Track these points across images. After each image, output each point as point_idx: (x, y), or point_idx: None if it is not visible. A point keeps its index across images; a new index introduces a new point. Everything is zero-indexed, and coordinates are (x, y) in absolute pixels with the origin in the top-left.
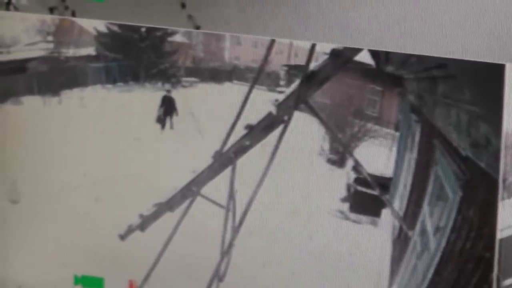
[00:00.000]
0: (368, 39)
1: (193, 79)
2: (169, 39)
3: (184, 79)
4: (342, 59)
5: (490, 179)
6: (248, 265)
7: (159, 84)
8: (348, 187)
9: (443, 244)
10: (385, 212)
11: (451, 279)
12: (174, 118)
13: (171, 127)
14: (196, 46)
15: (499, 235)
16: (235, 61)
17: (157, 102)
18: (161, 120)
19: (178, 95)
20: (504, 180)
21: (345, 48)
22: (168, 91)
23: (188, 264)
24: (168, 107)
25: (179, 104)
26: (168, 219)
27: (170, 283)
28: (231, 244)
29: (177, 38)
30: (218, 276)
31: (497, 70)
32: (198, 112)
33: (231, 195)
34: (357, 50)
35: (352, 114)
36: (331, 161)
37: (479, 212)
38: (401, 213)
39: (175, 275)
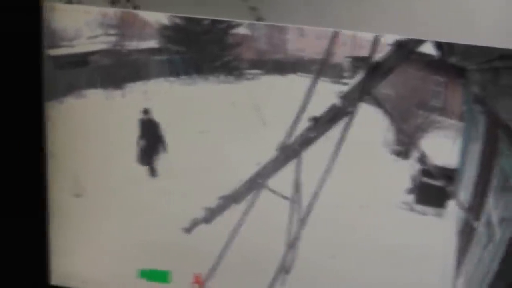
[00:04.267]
0: (431, 30)
1: (256, 71)
2: (232, 31)
3: (247, 71)
4: (406, 50)
5: None
6: (314, 257)
7: (223, 76)
8: (413, 179)
9: (508, 234)
10: (451, 204)
11: None
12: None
13: (152, 175)
14: (260, 39)
15: None
16: (299, 53)
17: (221, 95)
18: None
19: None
20: None
21: (409, 40)
22: (146, 111)
23: (253, 257)
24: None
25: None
26: (234, 211)
27: (236, 276)
28: (297, 237)
29: (240, 30)
30: (284, 268)
31: None
32: (262, 105)
33: (297, 187)
34: (421, 42)
35: (416, 105)
36: (396, 153)
37: None
38: (466, 204)
39: (241, 267)
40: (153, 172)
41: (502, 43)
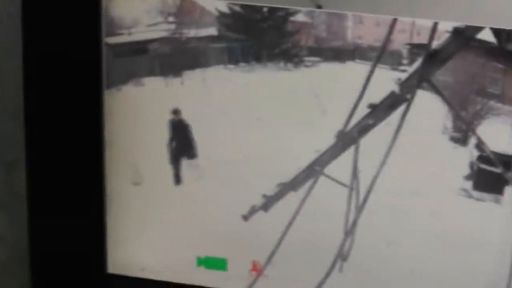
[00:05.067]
0: (490, 17)
1: (315, 58)
2: (291, 18)
3: (306, 58)
4: (464, 37)
5: None
6: (372, 244)
7: (282, 64)
8: (471, 165)
9: None
10: (509, 190)
11: None
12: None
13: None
14: (318, 26)
15: None
16: (358, 40)
17: (280, 82)
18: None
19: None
20: None
21: (467, 26)
22: (176, 112)
23: (311, 244)
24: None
25: (197, 135)
26: (292, 199)
27: (294, 263)
28: (354, 223)
29: (299, 17)
30: (342, 255)
31: None
32: (321, 92)
33: (355, 174)
34: (480, 28)
35: (474, 92)
36: (454, 139)
37: None
38: None
39: (299, 255)
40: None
41: None
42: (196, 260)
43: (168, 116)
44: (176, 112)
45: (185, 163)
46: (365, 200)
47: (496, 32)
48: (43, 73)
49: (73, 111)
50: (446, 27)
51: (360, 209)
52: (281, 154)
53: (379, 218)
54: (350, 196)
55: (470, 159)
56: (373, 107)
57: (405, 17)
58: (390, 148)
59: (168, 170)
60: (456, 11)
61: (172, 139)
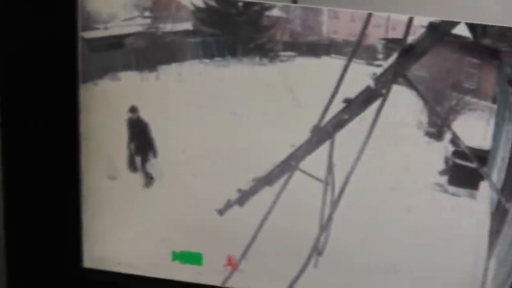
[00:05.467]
0: (465, 12)
1: (290, 53)
2: (267, 13)
3: (281, 53)
4: (439, 32)
5: None
6: (347, 239)
7: (257, 58)
8: (447, 160)
9: None
10: (483, 185)
11: None
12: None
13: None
14: (294, 21)
15: None
16: (333, 35)
17: (255, 77)
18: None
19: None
20: None
21: (443, 21)
22: (133, 109)
23: (286, 239)
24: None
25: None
26: (267, 193)
27: (269, 258)
28: (330, 218)
29: (275, 12)
30: (317, 250)
31: None
32: (296, 86)
33: (330, 169)
34: (455, 23)
35: (450, 87)
36: (429, 134)
37: None
38: (499, 186)
39: (274, 249)
40: None
41: None
42: (171, 254)
43: (144, 111)
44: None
45: (155, 160)
46: (340, 195)
47: (471, 27)
48: (19, 67)
49: (49, 105)
50: (421, 22)
51: (335, 204)
52: (256, 149)
53: (354, 213)
54: (325, 191)
55: (445, 154)
56: (348, 102)
57: (380, 12)
58: (365, 143)
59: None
60: (431, 6)
61: (131, 139)
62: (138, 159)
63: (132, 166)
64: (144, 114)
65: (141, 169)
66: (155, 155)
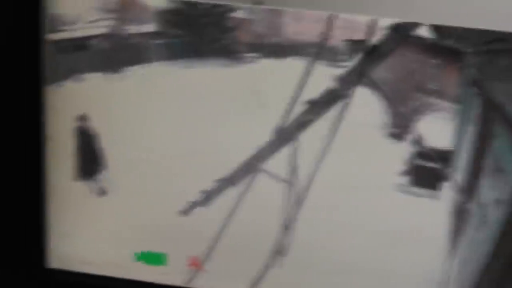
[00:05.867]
0: (428, 13)
1: (255, 54)
2: (231, 15)
3: (246, 55)
4: (402, 33)
5: None
6: (310, 239)
7: (221, 60)
8: (409, 161)
9: (501, 216)
10: (445, 185)
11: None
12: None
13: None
14: (258, 22)
15: None
16: (297, 36)
17: (219, 78)
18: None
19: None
20: None
21: (405, 23)
22: (82, 118)
23: (250, 239)
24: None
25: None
26: (231, 194)
27: (232, 258)
28: (292, 219)
29: (239, 14)
30: (280, 250)
31: None
32: (260, 88)
33: (293, 170)
34: (417, 25)
35: (413, 88)
36: (392, 135)
37: None
38: (461, 186)
39: (237, 250)
40: None
41: (499, 26)
42: (135, 254)
43: (108, 112)
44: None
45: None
46: (303, 195)
47: (434, 28)
48: None
49: (13, 107)
50: (384, 23)
51: (298, 204)
52: (220, 149)
53: (317, 213)
54: (288, 192)
55: (407, 155)
56: (311, 103)
57: (343, 14)
58: (328, 143)
59: (107, 164)
60: (394, 8)
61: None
62: (99, 160)
63: (94, 167)
64: (108, 115)
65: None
66: (117, 155)
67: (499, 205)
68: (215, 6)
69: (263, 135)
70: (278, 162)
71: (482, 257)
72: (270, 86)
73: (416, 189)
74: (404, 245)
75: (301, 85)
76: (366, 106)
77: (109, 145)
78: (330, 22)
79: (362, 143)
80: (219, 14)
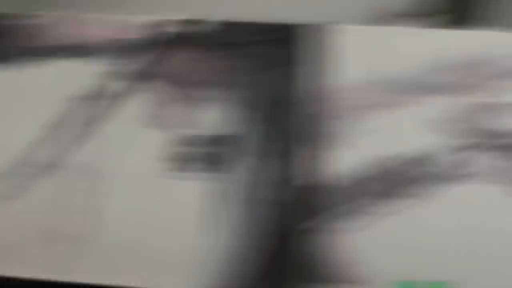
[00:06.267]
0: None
1: (26, 57)
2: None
3: (17, 58)
4: (184, 30)
5: None
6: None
7: None
8: (172, 146)
9: (262, 196)
10: (223, 168)
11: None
12: None
13: None
14: (29, 27)
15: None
16: (69, 38)
17: None
18: None
19: None
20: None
21: (187, 20)
22: None
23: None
24: None
25: None
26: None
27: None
28: (95, 209)
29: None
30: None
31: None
32: (32, 88)
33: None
34: (199, 22)
35: (196, 81)
36: (163, 125)
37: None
38: (226, 168)
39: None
40: None
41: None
42: None
43: None
44: None
45: None
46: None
47: (216, 23)
48: None
49: None
50: (168, 20)
51: (95, 194)
52: None
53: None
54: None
55: (170, 140)
56: (84, 99)
57: (112, 14)
58: (96, 135)
59: None
60: (177, 5)
61: None
62: None
63: None
64: None
65: None
66: None
67: (262, 185)
68: None
69: (39, 133)
70: (52, 158)
71: (243, 237)
72: (40, 87)
73: (183, 174)
74: (166, 226)
75: (71, 84)
76: (140, 100)
77: None
78: (97, 22)
79: (135, 133)
80: None
